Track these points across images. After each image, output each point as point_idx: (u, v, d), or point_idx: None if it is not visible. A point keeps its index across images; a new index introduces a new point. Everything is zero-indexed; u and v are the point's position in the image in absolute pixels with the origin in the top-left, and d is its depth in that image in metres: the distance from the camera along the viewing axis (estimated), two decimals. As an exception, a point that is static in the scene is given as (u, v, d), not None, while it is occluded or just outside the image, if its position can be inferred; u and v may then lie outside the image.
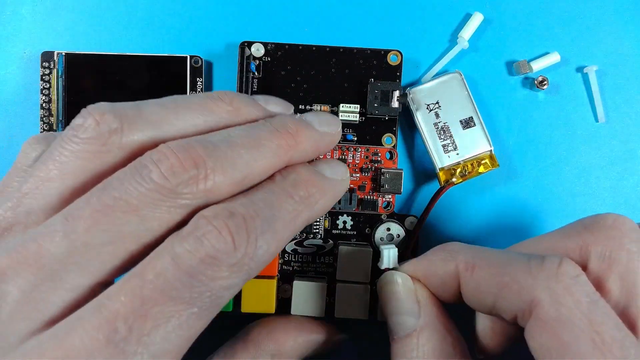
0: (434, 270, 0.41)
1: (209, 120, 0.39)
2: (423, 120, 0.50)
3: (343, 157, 0.49)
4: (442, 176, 0.50)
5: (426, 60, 0.53)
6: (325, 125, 0.42)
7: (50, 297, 0.32)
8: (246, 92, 0.49)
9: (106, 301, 0.31)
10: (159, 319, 0.31)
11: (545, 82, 0.52)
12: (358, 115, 0.49)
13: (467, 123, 0.50)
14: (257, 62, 0.49)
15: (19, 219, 0.34)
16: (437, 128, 0.50)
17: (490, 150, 0.50)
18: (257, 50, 0.49)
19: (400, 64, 0.50)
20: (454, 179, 0.50)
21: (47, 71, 0.49)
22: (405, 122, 0.52)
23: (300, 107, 0.50)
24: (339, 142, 0.50)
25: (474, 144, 0.50)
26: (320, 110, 0.50)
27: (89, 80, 0.49)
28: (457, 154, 0.50)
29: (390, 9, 0.53)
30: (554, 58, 0.52)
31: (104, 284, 0.33)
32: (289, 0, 0.52)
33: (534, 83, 0.52)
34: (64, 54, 0.49)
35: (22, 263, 0.31)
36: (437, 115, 0.50)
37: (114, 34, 0.52)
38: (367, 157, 0.49)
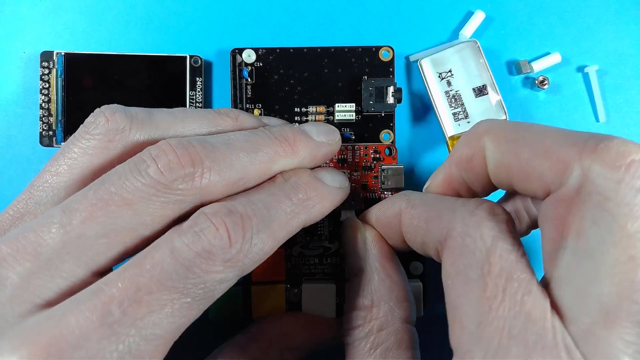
0: (383, 212, 0.43)
1: (213, 132, 0.41)
2: (434, 89, 0.50)
3: (343, 156, 0.49)
4: (452, 145, 0.50)
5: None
6: (323, 136, 0.43)
7: (46, 283, 0.33)
8: (240, 99, 0.49)
9: (104, 286, 0.32)
10: (153, 305, 0.32)
11: (546, 82, 0.52)
12: (354, 113, 0.50)
13: (481, 91, 0.50)
14: (250, 68, 0.50)
15: (30, 209, 0.38)
16: (449, 96, 0.50)
17: (505, 119, 0.49)
18: (249, 56, 0.50)
19: (393, 59, 0.50)
20: None
21: (47, 71, 0.50)
22: (403, 117, 0.52)
23: (295, 109, 0.50)
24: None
25: (486, 112, 0.50)
26: (317, 110, 0.50)
27: (88, 80, 0.50)
28: (468, 122, 0.50)
29: (387, 6, 0.53)
30: (554, 58, 0.52)
31: (99, 273, 0.35)
32: (283, 3, 0.53)
33: (534, 83, 0.52)
34: (63, 53, 0.49)
35: (20, 251, 0.33)
36: (449, 83, 0.50)
37: (113, 34, 0.53)
38: (366, 155, 0.49)
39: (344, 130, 0.50)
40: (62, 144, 0.49)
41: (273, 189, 0.38)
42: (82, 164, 0.37)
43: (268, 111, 0.50)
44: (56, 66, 0.50)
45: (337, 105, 0.50)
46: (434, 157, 0.51)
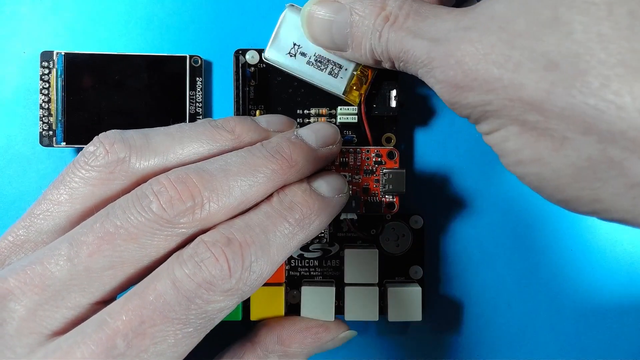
0: None
1: (212, 149, 0.40)
2: (296, 69, 0.48)
3: (344, 159, 0.48)
4: (352, 98, 0.49)
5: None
6: (322, 141, 0.43)
7: (53, 314, 0.34)
8: (243, 100, 0.49)
9: (108, 318, 0.33)
10: (156, 337, 0.33)
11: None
12: (357, 116, 0.49)
13: None
14: (253, 69, 0.50)
15: (30, 237, 0.37)
16: (312, 64, 0.48)
17: None
18: (252, 57, 0.50)
19: (396, 62, 0.50)
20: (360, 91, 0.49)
21: (47, 71, 0.49)
22: (406, 121, 0.52)
23: (298, 111, 0.50)
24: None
25: None
26: (319, 112, 0.50)
27: (88, 80, 0.49)
28: (345, 69, 0.48)
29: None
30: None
31: (104, 302, 0.35)
32: (285, 4, 0.52)
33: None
34: (63, 53, 0.49)
35: (28, 284, 0.34)
36: (303, 54, 0.48)
37: (113, 34, 0.52)
38: (368, 159, 0.49)
39: (346, 132, 0.50)
40: (62, 144, 0.49)
41: (269, 211, 0.38)
42: (83, 194, 0.37)
43: (270, 113, 0.50)
44: (56, 66, 0.49)
45: (339, 107, 0.49)
46: (437, 161, 0.51)
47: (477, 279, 0.52)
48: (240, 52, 0.50)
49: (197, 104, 0.51)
